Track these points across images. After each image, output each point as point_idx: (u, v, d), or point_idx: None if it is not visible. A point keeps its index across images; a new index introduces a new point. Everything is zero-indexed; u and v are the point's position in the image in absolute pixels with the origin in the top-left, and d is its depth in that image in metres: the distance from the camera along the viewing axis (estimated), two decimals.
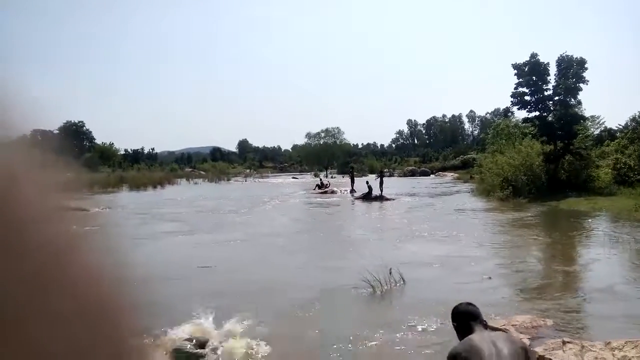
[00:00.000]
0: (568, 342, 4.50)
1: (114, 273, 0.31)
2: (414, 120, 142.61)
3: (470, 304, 2.80)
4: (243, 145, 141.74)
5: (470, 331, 2.60)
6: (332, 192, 30.60)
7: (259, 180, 57.33)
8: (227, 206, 22.35)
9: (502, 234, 13.37)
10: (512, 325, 5.39)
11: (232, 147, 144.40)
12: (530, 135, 26.53)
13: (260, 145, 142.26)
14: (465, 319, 2.69)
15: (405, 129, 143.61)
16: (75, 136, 72.35)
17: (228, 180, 55.44)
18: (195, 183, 49.93)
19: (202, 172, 69.32)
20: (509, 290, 7.64)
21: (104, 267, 0.29)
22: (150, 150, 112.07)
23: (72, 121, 74.57)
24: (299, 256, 10.58)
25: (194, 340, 5.31)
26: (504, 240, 12.22)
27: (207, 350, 5.22)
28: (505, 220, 15.95)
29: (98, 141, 77.24)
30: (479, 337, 2.50)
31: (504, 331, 2.37)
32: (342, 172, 67.38)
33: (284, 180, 54.77)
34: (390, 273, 7.75)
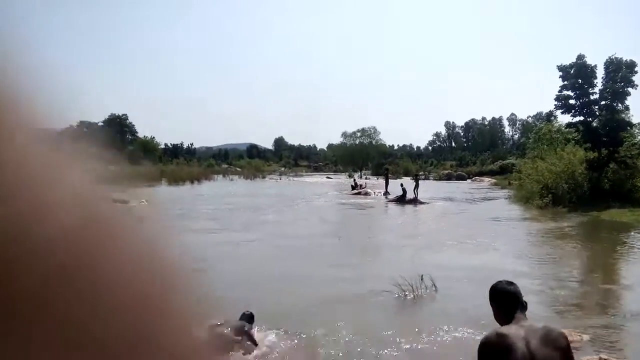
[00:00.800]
0: (605, 359, 4.36)
1: (169, 265, 0.30)
2: (452, 122, 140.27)
3: (510, 282, 2.61)
4: (279, 143, 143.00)
5: (510, 318, 2.44)
6: (366, 193, 30.49)
7: (294, 179, 57.71)
8: (260, 204, 22.62)
9: (541, 244, 13.01)
10: None
11: (268, 144, 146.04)
12: (573, 141, 25.63)
13: (296, 144, 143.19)
14: (506, 300, 2.51)
15: (443, 131, 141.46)
16: (118, 129, 74.56)
17: (263, 177, 56.10)
18: (231, 179, 50.74)
19: (238, 169, 70.38)
20: (545, 303, 7.43)
21: (159, 258, 0.29)
22: (189, 145, 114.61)
23: (116, 114, 76.97)
24: (330, 257, 10.60)
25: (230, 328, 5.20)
26: (542, 251, 11.89)
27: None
28: (544, 230, 15.52)
29: (140, 135, 79.29)
30: (515, 332, 2.34)
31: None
32: (376, 173, 67.10)
33: (318, 179, 54.95)
34: (422, 279, 7.67)
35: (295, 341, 5.59)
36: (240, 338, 5.14)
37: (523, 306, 2.49)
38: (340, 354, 5.29)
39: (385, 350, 5.37)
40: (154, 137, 78.73)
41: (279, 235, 13.52)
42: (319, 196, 29.15)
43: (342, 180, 50.80)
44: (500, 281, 2.62)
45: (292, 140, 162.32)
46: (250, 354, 5.14)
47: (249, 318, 5.41)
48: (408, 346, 5.52)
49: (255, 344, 5.21)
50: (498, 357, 2.31)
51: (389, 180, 32.70)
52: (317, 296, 7.37)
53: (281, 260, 10.18)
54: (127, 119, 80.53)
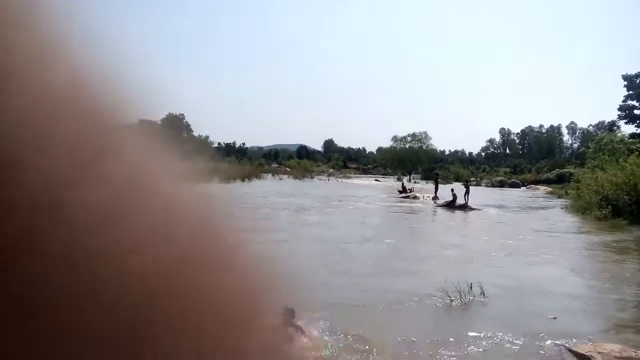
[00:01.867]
0: None
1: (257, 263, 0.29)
2: (508, 129, 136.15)
3: None
4: (329, 144, 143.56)
5: None
6: (415, 197, 30.16)
7: (342, 180, 57.81)
8: (304, 204, 22.83)
9: (598, 259, 12.43)
10: (599, 352, 5.10)
11: (318, 146, 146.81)
12: (637, 152, 24.39)
13: (345, 146, 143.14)
14: None
15: (498, 137, 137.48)
16: (175, 128, 77.01)
17: (311, 178, 56.55)
18: (280, 179, 51.51)
19: (288, 169, 71.32)
20: (600, 319, 7.15)
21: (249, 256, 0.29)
22: (241, 145, 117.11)
23: (174, 113, 79.62)
24: (376, 259, 10.63)
25: None
26: (598, 266, 11.39)
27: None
28: (602, 242, 14.82)
29: (195, 134, 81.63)
30: None
31: None
32: (425, 177, 66.26)
33: (367, 182, 54.79)
34: (470, 288, 7.58)
35: (341, 338, 5.68)
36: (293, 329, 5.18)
37: None
38: (389, 357, 5.34)
39: (430, 352, 5.38)
40: (208, 136, 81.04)
41: (315, 237, 13.15)
42: (366, 198, 29.10)
43: (391, 183, 50.41)
44: None
45: (342, 142, 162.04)
46: (302, 346, 5.26)
47: (290, 312, 5.14)
48: (454, 352, 5.50)
49: (304, 334, 5.28)
50: None
51: (439, 185, 32.21)
52: (362, 298, 7.42)
53: (313, 262, 9.84)
54: (184, 119, 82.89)
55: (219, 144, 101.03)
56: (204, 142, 78.99)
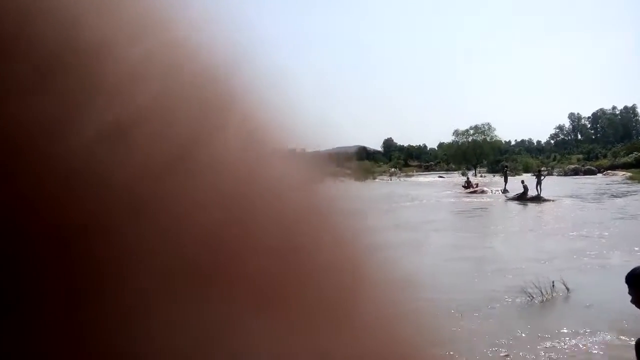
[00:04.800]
0: None
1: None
2: (577, 114, 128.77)
3: None
4: (388, 144, 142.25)
5: None
6: (482, 191, 29.19)
7: (404, 179, 57.12)
8: (369, 205, 22.65)
9: None
10: None
11: (377, 146, 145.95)
12: None
13: (405, 144, 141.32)
14: None
15: (567, 123, 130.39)
16: None
17: (373, 178, 56.30)
18: (341, 181, 51.55)
19: (348, 171, 71.49)
20: None
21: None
22: (302, 150, 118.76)
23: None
24: (446, 258, 10.35)
25: None
26: None
27: None
28: None
29: None
30: None
31: None
32: (492, 170, 64.08)
33: (430, 179, 53.80)
34: (552, 286, 7.19)
35: None
36: None
37: None
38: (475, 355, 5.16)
39: (514, 351, 5.14)
40: None
41: (392, 236, 13.26)
42: (431, 196, 28.48)
43: (455, 179, 49.15)
44: None
45: (402, 141, 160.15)
46: None
47: None
48: (533, 353, 5.23)
49: None
50: None
51: (508, 177, 31.03)
52: (436, 298, 7.23)
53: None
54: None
55: None
56: None
